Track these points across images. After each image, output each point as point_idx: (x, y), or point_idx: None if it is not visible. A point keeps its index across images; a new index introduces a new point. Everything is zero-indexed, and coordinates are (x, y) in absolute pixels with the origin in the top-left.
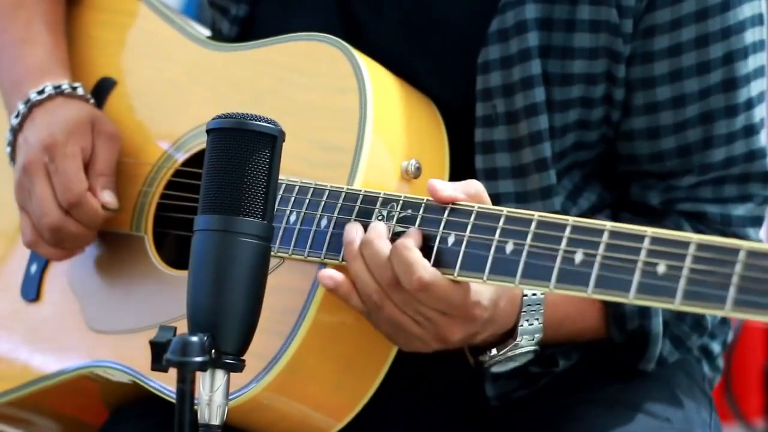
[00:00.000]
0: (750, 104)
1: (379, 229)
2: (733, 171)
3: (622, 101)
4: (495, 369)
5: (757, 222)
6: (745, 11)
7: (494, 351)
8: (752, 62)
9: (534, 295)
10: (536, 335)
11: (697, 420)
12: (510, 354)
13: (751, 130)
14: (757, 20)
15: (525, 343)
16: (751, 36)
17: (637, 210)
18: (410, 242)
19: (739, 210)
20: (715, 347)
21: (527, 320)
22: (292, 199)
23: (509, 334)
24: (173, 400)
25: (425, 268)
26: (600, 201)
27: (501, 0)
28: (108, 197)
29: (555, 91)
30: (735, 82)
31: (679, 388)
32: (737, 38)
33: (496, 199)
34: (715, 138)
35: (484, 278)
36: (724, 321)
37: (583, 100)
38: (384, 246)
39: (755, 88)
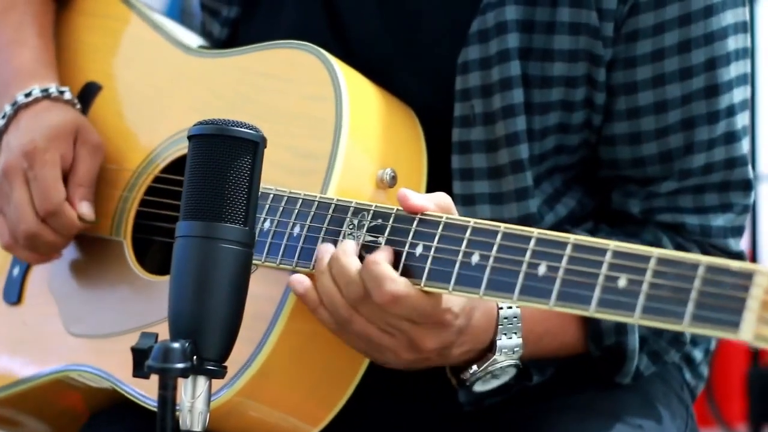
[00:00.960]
0: (732, 111)
1: (347, 247)
2: (714, 178)
3: (603, 105)
4: (478, 387)
5: (737, 232)
6: (728, 18)
7: (474, 367)
8: (735, 69)
9: (510, 308)
10: (516, 349)
11: (670, 428)
12: (490, 369)
13: (732, 137)
14: (741, 27)
15: (504, 358)
16: (733, 43)
17: (617, 221)
18: (380, 256)
19: (719, 220)
20: (697, 354)
21: (505, 334)
22: (267, 206)
23: (488, 350)
24: (148, 406)
25: (394, 281)
26: (580, 208)
27: (482, 1)
28: (85, 209)
29: (535, 93)
30: (717, 89)
31: (654, 396)
32: (720, 44)
33: (471, 199)
34: (696, 144)
35: (450, 289)
36: None
37: (563, 103)
38: (351, 262)
39: (738, 95)
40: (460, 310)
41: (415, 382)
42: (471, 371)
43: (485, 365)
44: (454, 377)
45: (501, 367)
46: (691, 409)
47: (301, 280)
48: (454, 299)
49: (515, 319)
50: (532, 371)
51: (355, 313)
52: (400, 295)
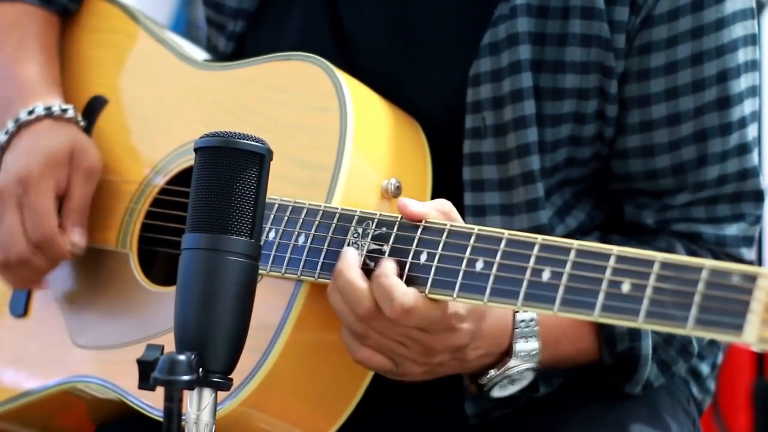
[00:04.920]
0: (743, 123)
1: (349, 259)
2: (726, 190)
3: (614, 118)
4: (496, 393)
5: (749, 242)
6: (738, 30)
7: (492, 371)
8: (745, 81)
9: (526, 311)
10: (533, 353)
11: None
12: (508, 373)
13: (744, 149)
14: (750, 40)
15: (522, 362)
16: (743, 55)
17: (630, 231)
18: (388, 269)
19: (733, 230)
20: (704, 369)
21: (522, 338)
22: (272, 216)
23: (506, 354)
24: (155, 417)
25: (404, 294)
26: (589, 220)
27: (493, 13)
28: (77, 237)
29: (546, 105)
30: (729, 101)
31: (661, 408)
32: (731, 56)
33: (482, 210)
34: (709, 156)
35: (454, 296)
36: (713, 342)
37: (575, 116)
38: (355, 275)
39: (748, 106)
40: (466, 313)
41: (421, 394)
42: (489, 375)
43: (503, 369)
44: (473, 384)
45: (519, 371)
46: (698, 423)
47: None
48: (459, 304)
49: (532, 322)
50: (539, 382)
51: (370, 328)
52: (411, 307)
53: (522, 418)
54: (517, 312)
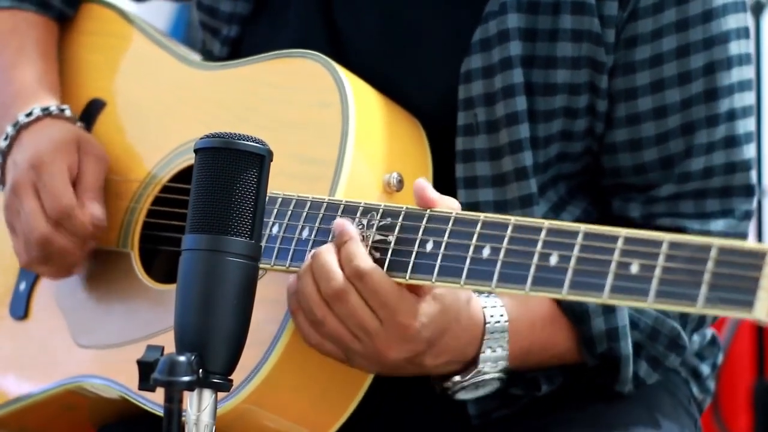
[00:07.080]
0: (732, 115)
1: (329, 246)
2: (714, 183)
3: (605, 113)
4: (462, 396)
5: (738, 238)
6: (730, 23)
7: (457, 378)
8: (737, 74)
9: (498, 323)
10: (500, 362)
11: None
12: (474, 381)
13: (732, 142)
14: (743, 33)
15: (489, 370)
16: (736, 48)
17: (616, 225)
18: (351, 233)
19: (719, 225)
20: (705, 369)
21: (490, 347)
22: (275, 211)
23: (472, 362)
24: (159, 413)
25: (363, 259)
26: (585, 216)
27: (483, 10)
28: (96, 209)
29: (538, 101)
30: (716, 93)
31: (661, 409)
32: (720, 49)
33: (475, 207)
34: (695, 147)
35: (461, 283)
36: (714, 342)
37: (566, 111)
38: (332, 259)
39: (739, 100)
40: (428, 321)
41: (424, 394)
42: (454, 380)
43: (468, 376)
44: (437, 385)
45: (485, 380)
46: (699, 423)
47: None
48: (426, 309)
49: (502, 333)
50: (540, 381)
51: (329, 312)
52: (365, 271)
53: (524, 419)
54: (488, 323)
